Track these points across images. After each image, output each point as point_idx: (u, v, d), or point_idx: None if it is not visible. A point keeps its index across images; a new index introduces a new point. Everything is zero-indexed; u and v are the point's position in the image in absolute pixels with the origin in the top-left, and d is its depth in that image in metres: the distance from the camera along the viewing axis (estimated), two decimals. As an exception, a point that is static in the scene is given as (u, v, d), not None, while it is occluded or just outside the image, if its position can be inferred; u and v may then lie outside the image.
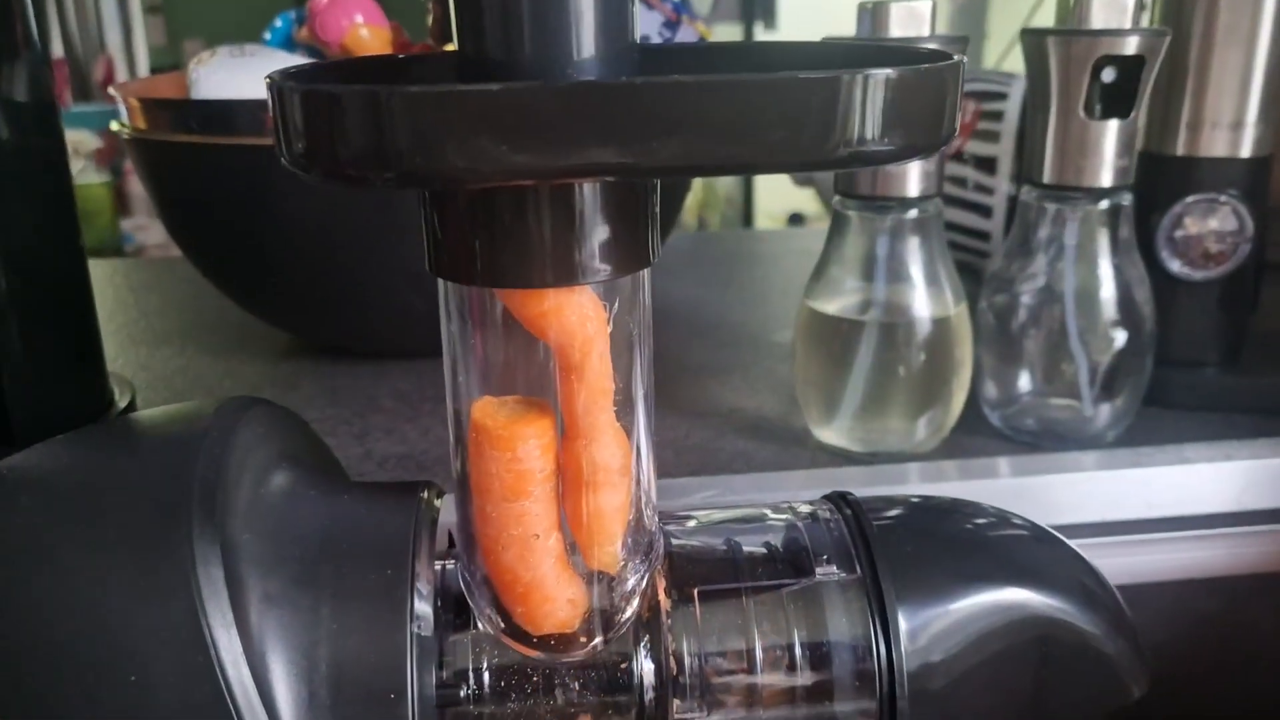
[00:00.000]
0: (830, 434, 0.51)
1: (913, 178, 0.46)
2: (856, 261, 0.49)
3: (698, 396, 0.59)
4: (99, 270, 0.96)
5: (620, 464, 0.29)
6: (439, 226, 0.27)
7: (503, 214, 0.26)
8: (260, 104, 0.54)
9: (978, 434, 0.52)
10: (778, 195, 2.41)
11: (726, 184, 2.53)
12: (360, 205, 0.56)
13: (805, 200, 2.32)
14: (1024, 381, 0.52)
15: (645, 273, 0.29)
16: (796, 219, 2.64)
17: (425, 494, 0.33)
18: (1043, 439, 0.51)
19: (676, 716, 0.31)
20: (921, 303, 0.48)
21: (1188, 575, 0.48)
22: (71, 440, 0.32)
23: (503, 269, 0.26)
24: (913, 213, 0.47)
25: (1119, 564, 0.47)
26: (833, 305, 0.50)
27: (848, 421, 0.50)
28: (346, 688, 0.28)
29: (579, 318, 0.27)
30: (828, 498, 0.36)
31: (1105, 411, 0.50)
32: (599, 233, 0.26)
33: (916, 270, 0.48)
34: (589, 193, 0.26)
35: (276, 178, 0.56)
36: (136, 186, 2.50)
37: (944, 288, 0.48)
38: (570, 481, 0.29)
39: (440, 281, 0.29)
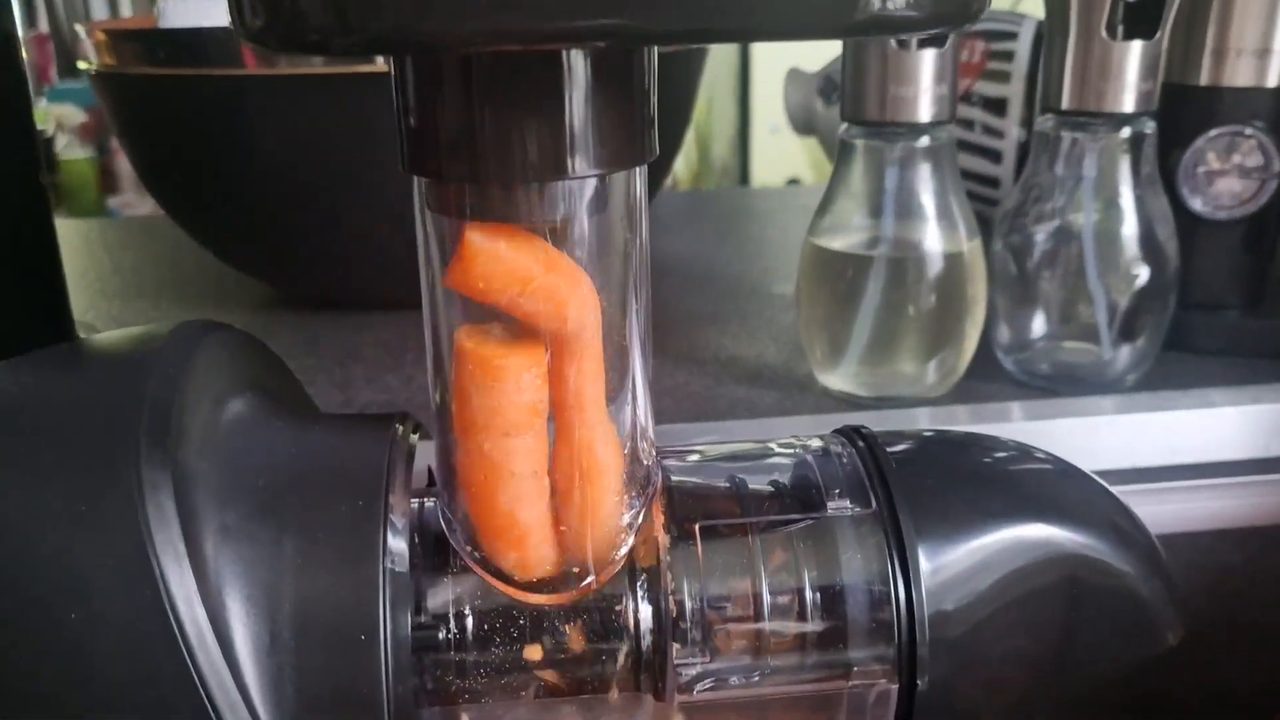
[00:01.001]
0: (836, 379, 0.48)
1: (924, 102, 0.43)
2: (864, 194, 0.46)
3: (695, 345, 0.56)
4: (72, 230, 0.92)
5: (613, 462, 0.27)
6: (409, 108, 0.24)
7: (482, 91, 0.23)
8: (230, 31, 0.51)
9: (990, 379, 0.50)
10: (775, 162, 2.37)
11: (721, 153, 2.49)
12: (340, 142, 0.53)
13: (803, 167, 2.29)
14: (1039, 324, 0.49)
15: (640, 177, 0.27)
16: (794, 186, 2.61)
17: (400, 426, 0.30)
18: (1059, 383, 0.49)
19: (675, 663, 0.28)
20: (933, 237, 0.45)
21: (1212, 525, 0.45)
22: (11, 364, 0.29)
23: (481, 157, 0.23)
24: (924, 140, 0.44)
25: (1139, 514, 0.45)
26: (839, 241, 0.47)
27: (854, 365, 0.47)
28: (312, 628, 0.25)
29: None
30: (839, 432, 0.33)
31: (1124, 354, 0.48)
32: (588, 116, 0.23)
33: (928, 202, 0.45)
34: (578, 67, 0.23)
35: (251, 111, 0.53)
36: (123, 163, 2.46)
37: (957, 221, 0.46)
38: (562, 476, 0.27)
39: (415, 181, 0.26)
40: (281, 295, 0.67)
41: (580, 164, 0.24)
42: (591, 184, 0.25)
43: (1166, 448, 0.45)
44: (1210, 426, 0.45)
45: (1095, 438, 0.45)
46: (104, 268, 0.79)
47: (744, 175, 2.56)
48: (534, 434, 0.27)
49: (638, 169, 0.26)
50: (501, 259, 0.24)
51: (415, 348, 0.57)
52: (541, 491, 0.27)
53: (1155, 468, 0.45)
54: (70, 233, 0.91)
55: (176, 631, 0.24)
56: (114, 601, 0.24)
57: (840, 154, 0.47)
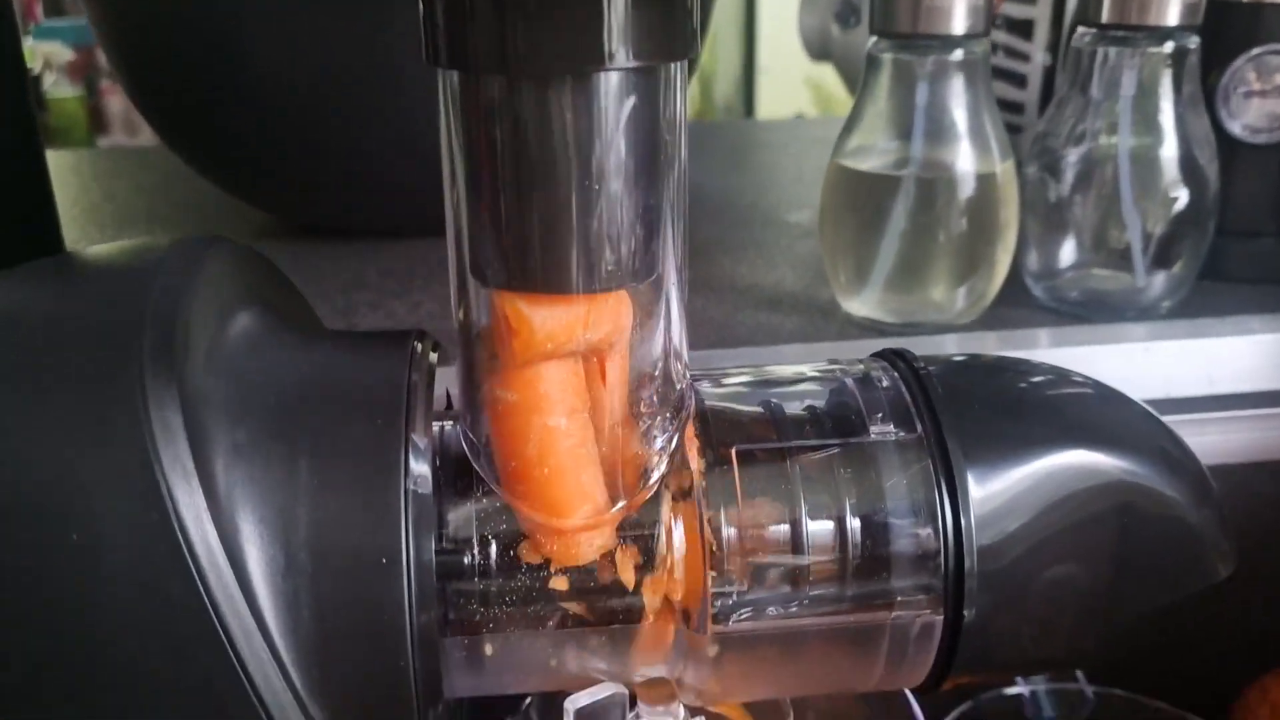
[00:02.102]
0: (860, 305, 0.47)
1: (959, 12, 0.41)
2: (892, 113, 0.44)
3: (710, 273, 0.54)
4: (62, 161, 0.90)
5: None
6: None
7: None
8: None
9: (1019, 306, 0.48)
10: (780, 98, 2.33)
11: (725, 91, 2.45)
12: (345, 62, 0.51)
13: (807, 104, 2.25)
14: (1070, 250, 0.47)
15: (680, 73, 0.25)
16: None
17: (419, 344, 0.28)
18: (1091, 311, 0.47)
19: (712, 591, 0.27)
20: (965, 157, 0.43)
21: (1252, 457, 0.44)
22: (6, 276, 0.27)
23: (515, 47, 0.22)
24: (957, 53, 0.42)
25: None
26: (865, 162, 0.45)
27: (880, 291, 0.46)
28: (330, 551, 0.24)
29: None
30: (878, 355, 0.31)
31: (1159, 282, 0.46)
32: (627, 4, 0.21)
33: (960, 120, 0.43)
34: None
35: (251, 28, 0.51)
36: (113, 104, 2.42)
37: (990, 141, 0.44)
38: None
39: (440, 75, 0.24)
40: (281, 223, 0.65)
41: (619, 51, 0.22)
42: (631, 99, 0.23)
43: (1204, 377, 0.43)
44: (1249, 354, 0.43)
45: (1130, 366, 0.43)
46: (95, 197, 0.76)
47: (749, 105, 2.52)
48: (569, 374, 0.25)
49: (678, 76, 0.24)
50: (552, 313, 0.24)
51: (422, 274, 0.55)
52: (572, 431, 0.26)
53: (1192, 398, 0.43)
54: (60, 163, 0.88)
55: (186, 553, 0.22)
56: (120, 522, 0.22)
57: (867, 71, 0.45)
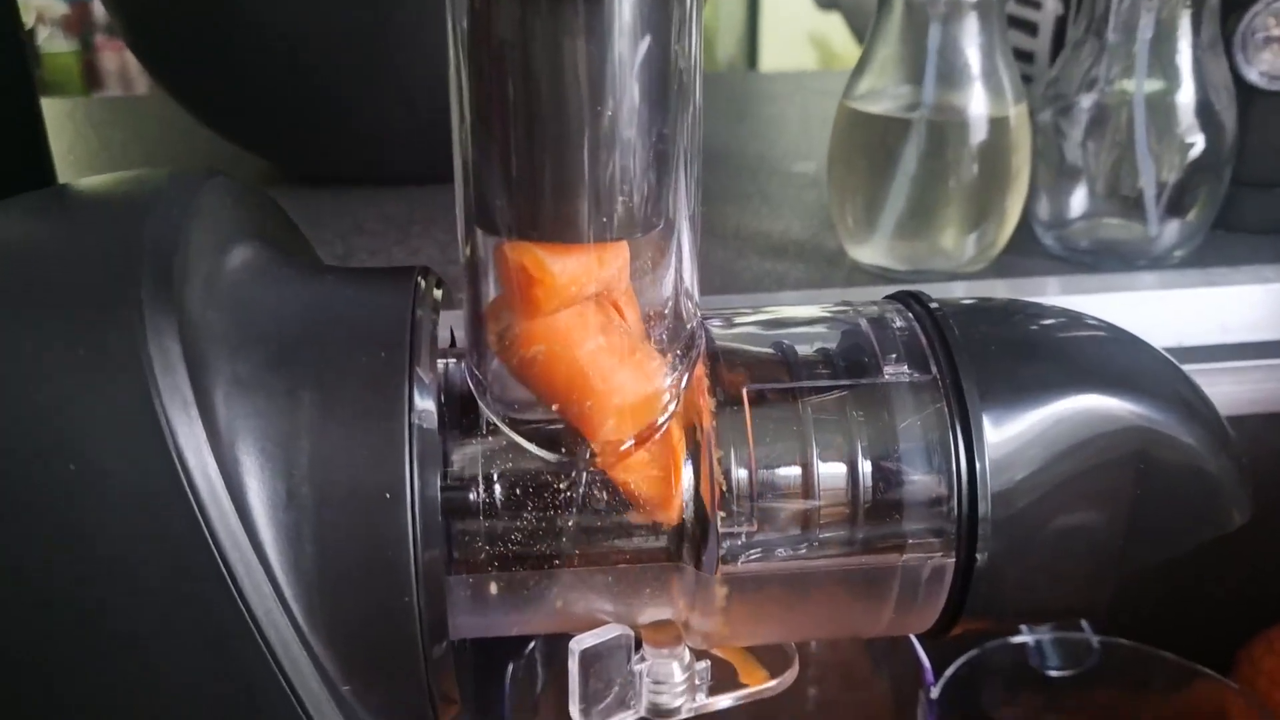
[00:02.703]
0: (868, 252, 0.46)
1: (975, -49, 0.40)
2: (904, 55, 0.43)
3: (714, 220, 0.53)
4: (57, 109, 0.88)
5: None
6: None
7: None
8: None
9: (1028, 255, 0.47)
10: (781, 52, 2.31)
11: (727, 48, 2.42)
12: (345, 6, 0.50)
13: (810, 60, 2.23)
14: (1082, 198, 0.46)
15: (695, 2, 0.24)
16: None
17: (422, 280, 0.28)
18: (1102, 260, 0.46)
19: (720, 532, 0.26)
20: (978, 100, 0.42)
21: (1264, 408, 0.43)
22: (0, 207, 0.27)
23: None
24: (973, -6, 0.41)
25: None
26: (876, 105, 0.44)
27: (888, 237, 0.45)
28: (333, 485, 0.23)
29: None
30: (892, 297, 0.31)
31: (1172, 230, 0.45)
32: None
33: (973, 62, 0.42)
34: None
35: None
36: (108, 59, 2.39)
37: (1003, 84, 0.43)
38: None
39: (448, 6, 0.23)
40: (281, 170, 0.64)
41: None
42: (644, 22, 0.22)
43: (1217, 325, 0.43)
44: (1264, 303, 0.43)
45: (1141, 315, 0.43)
46: (91, 145, 0.75)
47: (751, 58, 2.49)
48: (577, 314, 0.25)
49: (692, 6, 0.23)
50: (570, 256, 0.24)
51: (422, 220, 0.54)
52: (586, 362, 0.25)
53: (1204, 346, 0.43)
54: (55, 111, 0.87)
55: (185, 484, 0.22)
56: (117, 452, 0.22)
57: (879, 12, 0.44)
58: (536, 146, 0.23)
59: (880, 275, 0.46)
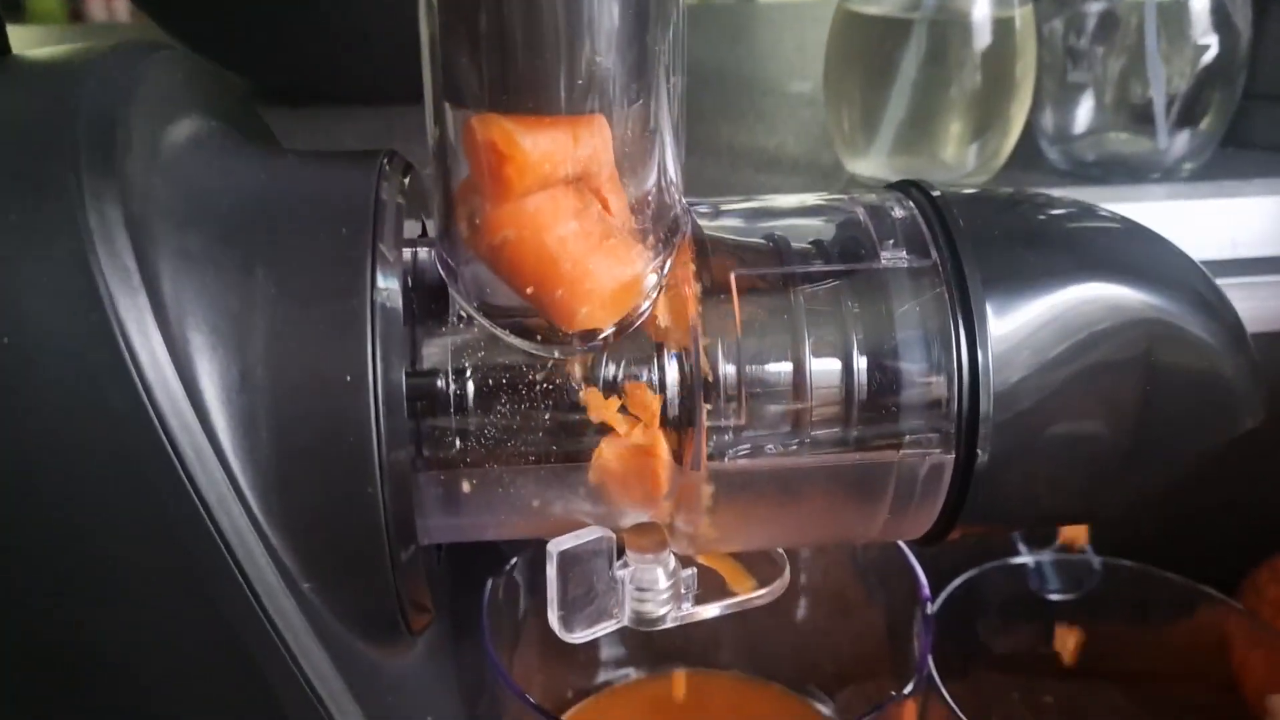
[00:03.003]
0: (866, 164, 0.44)
1: None
2: (906, -46, 0.41)
3: (707, 136, 0.51)
4: (37, 36, 0.86)
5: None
6: None
7: None
8: None
9: (1032, 169, 0.45)
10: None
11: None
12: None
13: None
14: (1089, 110, 0.45)
15: None
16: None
17: (388, 162, 0.26)
18: (1109, 173, 0.44)
19: (707, 425, 0.25)
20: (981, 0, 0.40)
21: (1274, 326, 0.42)
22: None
23: None
24: (979, -115, 0.39)
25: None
26: (875, 6, 0.42)
27: (887, 148, 0.43)
28: (289, 366, 0.22)
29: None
30: (893, 186, 0.29)
31: (1182, 141, 0.44)
32: None
33: (978, -40, 0.40)
34: None
35: None
36: (95, 6, 2.35)
37: (1009, -17, 0.41)
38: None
39: None
40: (257, 88, 0.62)
41: None
42: None
43: (1228, 240, 0.41)
44: (1276, 217, 0.41)
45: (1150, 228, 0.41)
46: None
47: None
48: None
49: None
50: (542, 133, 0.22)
51: (401, 139, 0.52)
52: (556, 248, 0.23)
53: (1214, 261, 0.41)
54: (35, 39, 0.85)
55: (129, 360, 0.20)
56: (54, 324, 0.20)
57: (880, -91, 0.42)
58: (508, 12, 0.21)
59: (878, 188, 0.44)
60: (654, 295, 0.25)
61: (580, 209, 0.24)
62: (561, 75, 0.22)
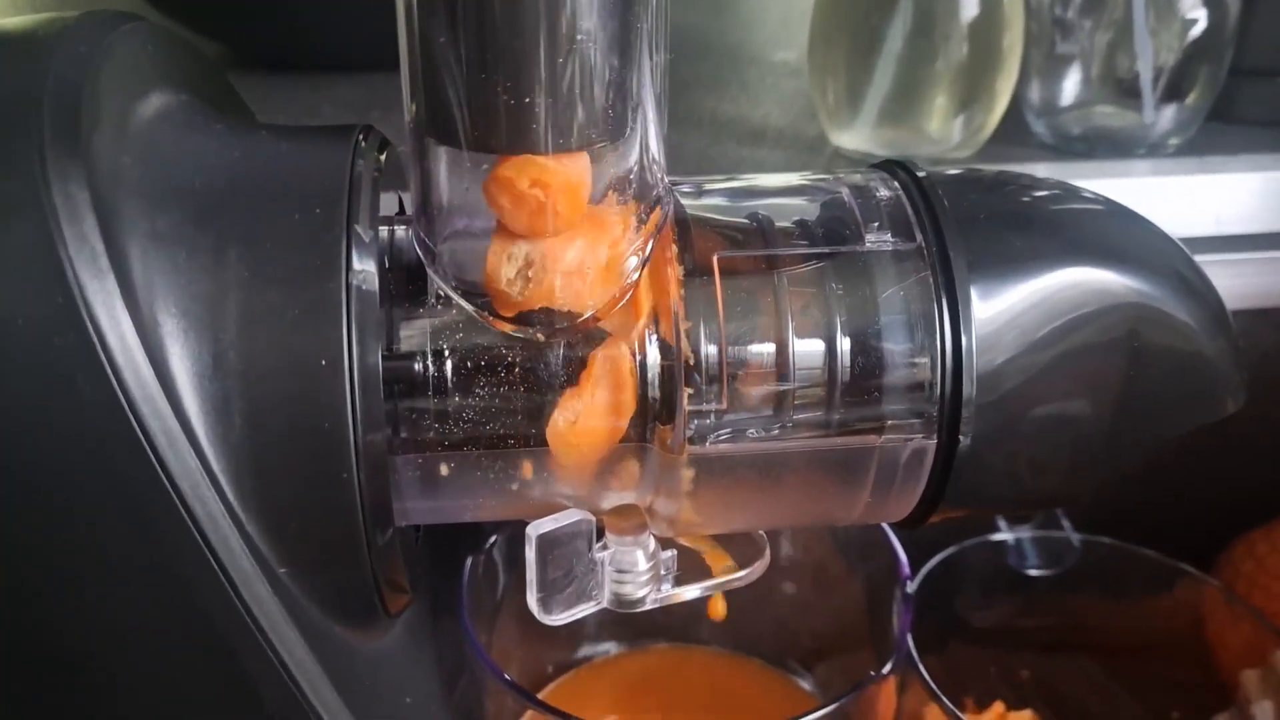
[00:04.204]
0: (850, 137, 0.44)
1: None
2: (893, -77, 0.41)
3: (689, 108, 0.51)
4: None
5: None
6: None
7: None
8: None
9: (1018, 143, 0.45)
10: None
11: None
12: None
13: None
14: (1075, 83, 0.44)
15: None
16: None
17: (363, 138, 0.26)
18: (1095, 147, 0.44)
19: (688, 409, 0.25)
20: (970, -28, 0.40)
21: (1256, 303, 0.42)
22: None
23: None
24: None
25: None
26: (862, -22, 0.41)
27: (872, 121, 0.43)
28: (262, 349, 0.21)
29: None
30: (878, 166, 0.29)
31: (1168, 116, 0.43)
32: None
33: (966, -69, 0.40)
34: None
35: None
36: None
37: (997, -45, 0.40)
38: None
39: None
40: (234, 55, 0.61)
41: None
42: None
43: (1212, 216, 0.41)
44: (1261, 193, 0.41)
45: (1133, 204, 0.40)
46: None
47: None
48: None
49: None
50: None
51: (380, 106, 0.51)
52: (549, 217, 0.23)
53: (1198, 237, 0.41)
54: (2, 7, 0.83)
55: (97, 344, 0.20)
56: (18, 306, 0.20)
57: (867, -123, 0.41)
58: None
59: (863, 161, 0.44)
60: (636, 276, 0.25)
61: None
62: (541, 48, 0.21)
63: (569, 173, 0.22)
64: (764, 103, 0.52)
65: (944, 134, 0.43)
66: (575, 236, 0.23)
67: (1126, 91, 0.43)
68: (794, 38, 0.64)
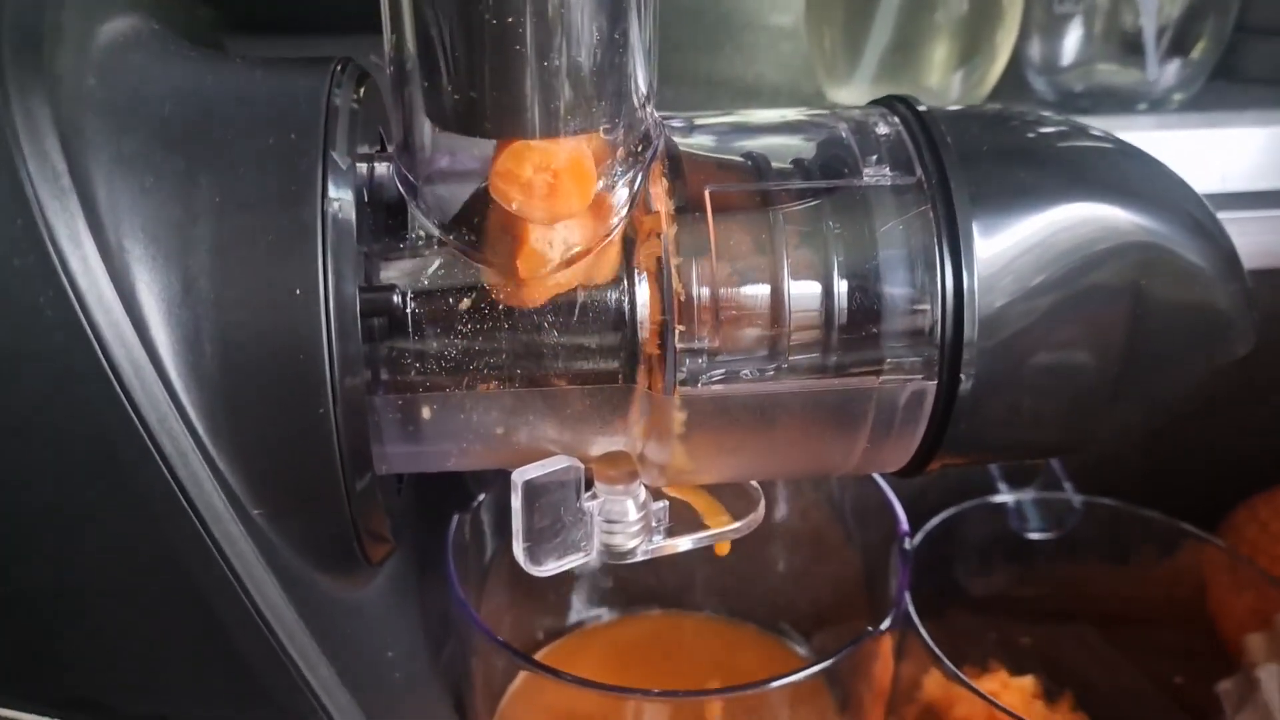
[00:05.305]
0: (848, 93, 0.43)
1: None
2: None
3: (682, 68, 0.50)
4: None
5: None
6: None
7: None
8: None
9: (1020, 100, 0.44)
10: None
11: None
12: None
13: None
14: (1077, 39, 0.43)
15: None
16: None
17: (341, 69, 0.25)
18: (1098, 104, 0.43)
19: (679, 348, 0.24)
20: (970, -80, 0.39)
21: (1261, 263, 0.41)
22: None
23: None
24: None
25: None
26: (860, -73, 0.41)
27: (870, 76, 0.42)
28: (234, 277, 0.21)
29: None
30: (877, 102, 0.28)
31: (1172, 72, 0.42)
32: None
33: (967, -123, 0.39)
34: None
35: None
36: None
37: (998, -97, 0.39)
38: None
39: None
40: (226, 17, 0.60)
41: None
42: None
43: (1217, 174, 0.40)
44: (1266, 149, 0.40)
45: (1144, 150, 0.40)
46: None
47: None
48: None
49: None
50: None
51: (370, 69, 0.51)
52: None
53: (1202, 195, 0.40)
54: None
55: (59, 268, 0.19)
56: (-27, 228, 0.19)
57: None
58: None
59: (860, 117, 0.43)
60: (625, 212, 0.24)
61: None
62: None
63: (583, 160, 0.21)
64: (759, 62, 0.51)
65: (943, 89, 0.42)
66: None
67: (1130, 47, 0.42)
68: (789, 2, 0.63)
